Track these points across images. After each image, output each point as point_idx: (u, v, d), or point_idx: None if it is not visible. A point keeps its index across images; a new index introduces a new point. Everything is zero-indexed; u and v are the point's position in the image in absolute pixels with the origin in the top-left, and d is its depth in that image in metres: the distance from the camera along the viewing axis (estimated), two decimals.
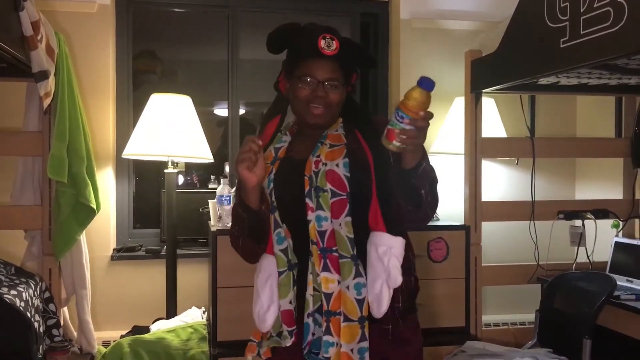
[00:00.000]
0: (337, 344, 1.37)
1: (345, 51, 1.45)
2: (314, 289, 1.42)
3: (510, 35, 2.43)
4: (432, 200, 1.37)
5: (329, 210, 1.39)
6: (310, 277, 1.43)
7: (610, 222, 2.87)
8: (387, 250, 1.39)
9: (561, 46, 2.03)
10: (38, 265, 2.60)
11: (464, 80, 2.80)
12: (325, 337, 1.38)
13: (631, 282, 2.59)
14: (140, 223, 3.24)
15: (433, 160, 1.39)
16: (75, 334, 2.72)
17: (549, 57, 2.13)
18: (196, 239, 3.15)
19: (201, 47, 3.58)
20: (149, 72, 3.53)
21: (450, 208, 2.84)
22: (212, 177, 3.25)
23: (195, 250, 3.07)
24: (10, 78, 2.47)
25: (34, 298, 2.41)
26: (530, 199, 2.91)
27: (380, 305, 1.37)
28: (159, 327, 2.66)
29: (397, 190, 1.35)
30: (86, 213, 2.60)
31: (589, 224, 2.85)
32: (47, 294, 2.54)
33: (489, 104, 3.05)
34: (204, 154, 2.83)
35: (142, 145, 2.72)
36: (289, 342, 1.45)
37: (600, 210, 2.89)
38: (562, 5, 2.03)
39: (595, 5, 1.86)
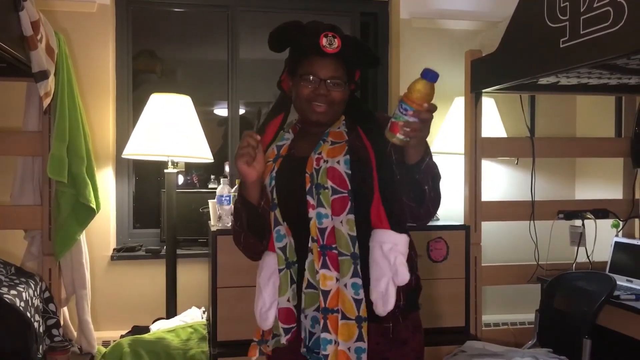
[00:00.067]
0: (334, 342, 1.37)
1: (348, 49, 1.45)
2: (310, 286, 1.42)
3: (510, 35, 2.43)
4: (435, 197, 1.37)
5: (329, 207, 1.39)
6: (306, 274, 1.42)
7: (610, 222, 2.87)
8: (393, 247, 1.38)
9: (561, 46, 2.03)
10: (38, 265, 2.60)
11: (463, 80, 2.80)
12: (323, 335, 1.37)
13: (631, 282, 2.59)
14: (140, 223, 3.24)
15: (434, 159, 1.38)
16: (75, 334, 2.73)
17: (549, 57, 2.13)
18: (196, 239, 3.15)
19: (201, 47, 3.58)
20: (148, 71, 3.53)
21: (450, 208, 2.84)
22: (212, 177, 3.26)
23: (195, 250, 3.07)
24: (10, 78, 2.47)
25: (34, 298, 2.41)
26: (530, 199, 2.91)
27: (387, 303, 1.36)
28: (159, 327, 2.66)
29: (400, 186, 1.35)
30: (86, 213, 2.60)
31: (589, 223, 2.85)
32: (47, 294, 2.54)
33: (489, 104, 3.05)
34: (204, 154, 2.83)
35: (142, 145, 2.72)
36: (283, 340, 1.45)
37: (600, 210, 2.89)
38: (562, 5, 2.03)
39: (595, 5, 1.86)
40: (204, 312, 2.82)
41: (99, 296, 2.92)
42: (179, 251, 2.96)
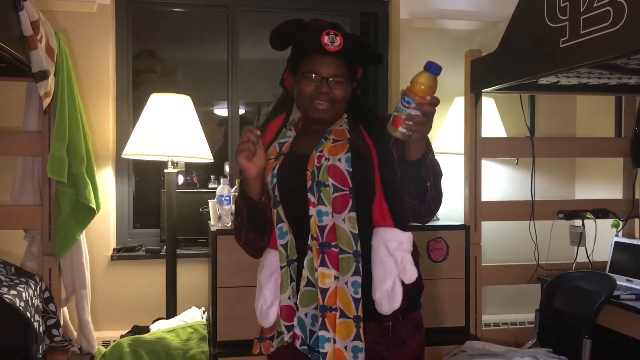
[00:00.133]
0: (333, 340, 1.37)
1: (349, 47, 1.45)
2: (309, 284, 1.41)
3: (510, 35, 2.43)
4: (436, 194, 1.37)
5: (330, 205, 1.39)
6: (303, 272, 1.42)
7: (610, 221, 2.87)
8: (398, 245, 1.39)
9: (561, 46, 2.03)
10: (38, 265, 2.61)
11: (463, 80, 2.80)
12: (321, 332, 1.37)
13: (631, 281, 2.59)
14: (140, 223, 3.24)
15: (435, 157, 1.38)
16: (75, 334, 2.73)
17: (549, 57, 2.12)
18: (196, 239, 3.15)
19: (201, 47, 3.58)
20: (148, 71, 3.53)
21: (450, 208, 2.83)
22: (212, 177, 3.26)
23: (195, 250, 3.07)
24: (10, 78, 2.47)
25: (34, 298, 2.41)
26: (530, 199, 2.91)
27: (393, 301, 1.37)
28: (159, 327, 2.65)
29: (401, 183, 1.35)
30: (86, 213, 2.60)
31: (589, 223, 2.85)
32: (47, 294, 2.54)
33: (488, 104, 3.05)
34: (203, 154, 2.83)
35: (142, 145, 2.72)
36: (286, 337, 1.45)
37: (600, 210, 2.89)
38: (561, 5, 2.03)
39: (595, 5, 1.86)
40: (204, 312, 2.82)
41: (99, 296, 2.92)
42: (179, 251, 2.96)
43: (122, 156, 2.83)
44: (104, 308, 2.95)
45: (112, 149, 3.03)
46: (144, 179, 3.42)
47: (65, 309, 2.72)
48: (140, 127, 2.76)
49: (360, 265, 1.38)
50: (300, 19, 1.51)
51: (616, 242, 2.75)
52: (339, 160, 1.41)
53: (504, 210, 2.90)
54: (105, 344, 2.74)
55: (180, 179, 3.30)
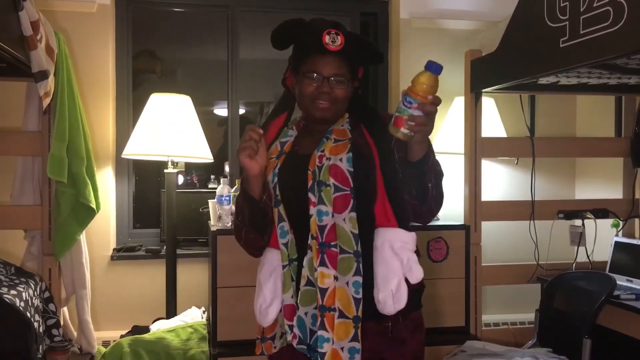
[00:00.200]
0: (332, 340, 1.37)
1: (351, 46, 1.45)
2: (309, 283, 1.41)
3: (510, 34, 2.43)
4: (437, 195, 1.37)
5: (331, 205, 1.39)
6: (303, 271, 1.42)
7: (610, 221, 2.87)
8: (403, 245, 1.39)
9: (561, 46, 2.03)
10: (38, 265, 2.61)
11: (463, 79, 2.80)
12: (320, 332, 1.37)
13: (631, 281, 2.59)
14: (140, 223, 3.24)
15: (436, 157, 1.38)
16: (75, 334, 2.73)
17: (549, 57, 2.12)
18: (196, 238, 3.15)
19: (201, 47, 3.58)
20: (148, 71, 3.53)
21: (450, 208, 2.83)
22: (212, 177, 3.25)
23: (195, 250, 3.07)
24: (10, 78, 2.47)
25: (34, 298, 2.41)
26: (530, 199, 2.91)
27: (399, 302, 1.37)
28: (159, 327, 2.65)
29: (402, 184, 1.35)
30: (86, 213, 2.60)
31: (589, 223, 2.85)
32: (47, 294, 2.54)
33: (488, 104, 3.05)
34: (203, 154, 2.83)
35: (142, 145, 2.72)
36: (289, 337, 1.45)
37: (600, 210, 2.89)
38: (561, 4, 2.03)
39: (594, 5, 1.86)
40: (204, 312, 2.82)
41: (99, 296, 2.92)
42: (179, 251, 2.96)
43: (122, 156, 2.83)
44: (104, 308, 2.95)
45: (112, 149, 3.03)
46: (144, 179, 3.42)
47: (65, 309, 2.72)
48: (140, 127, 2.76)
49: (361, 265, 1.38)
50: (301, 18, 1.51)
51: (616, 242, 2.75)
52: (340, 160, 1.41)
53: (504, 210, 2.90)
54: (105, 344, 2.74)
55: (180, 179, 3.30)
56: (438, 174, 1.36)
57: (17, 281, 2.38)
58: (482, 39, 3.16)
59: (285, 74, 1.55)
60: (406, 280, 1.40)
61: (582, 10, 1.92)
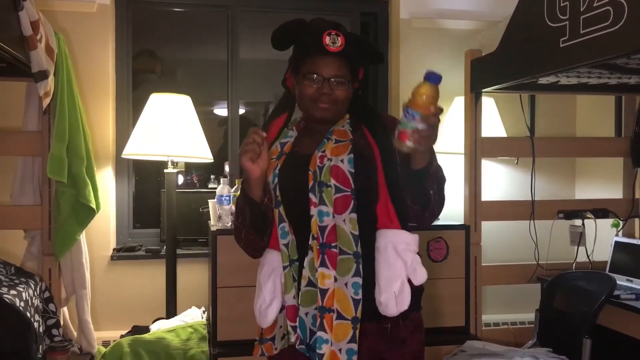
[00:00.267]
0: (330, 341, 1.36)
1: (351, 47, 1.45)
2: (310, 284, 1.41)
3: (510, 34, 2.43)
4: (440, 200, 1.37)
5: (331, 205, 1.39)
6: (304, 272, 1.42)
7: (610, 221, 2.87)
8: (407, 247, 1.39)
9: (561, 45, 2.03)
10: (38, 265, 2.61)
11: (463, 79, 2.80)
12: (319, 334, 1.37)
13: (631, 281, 2.59)
14: (140, 223, 3.24)
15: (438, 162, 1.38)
16: (75, 334, 2.73)
17: (549, 57, 2.12)
18: (196, 238, 3.15)
19: (201, 47, 3.58)
20: (148, 71, 3.53)
21: (450, 208, 2.82)
22: (212, 177, 3.25)
23: (195, 250, 3.07)
24: (10, 78, 2.47)
25: (34, 298, 2.41)
26: (530, 199, 2.91)
27: (402, 303, 1.37)
28: (159, 327, 2.65)
29: (405, 190, 1.35)
30: (86, 213, 2.60)
31: (589, 223, 2.85)
32: (47, 294, 2.54)
33: (488, 104, 3.05)
34: (203, 154, 2.83)
35: (142, 145, 2.72)
36: (293, 338, 1.44)
37: (600, 210, 2.89)
38: (561, 4, 2.03)
39: (595, 5, 1.86)
40: (204, 312, 2.82)
41: (99, 296, 2.92)
42: (179, 251, 2.96)
43: (122, 156, 2.83)
44: (104, 308, 2.95)
45: (112, 149, 3.03)
46: (144, 179, 3.42)
47: (65, 309, 2.72)
48: (140, 127, 2.76)
49: (360, 266, 1.38)
50: (301, 19, 1.50)
51: (616, 242, 2.75)
52: (342, 161, 1.40)
53: (504, 210, 2.90)
54: (105, 344, 2.74)
55: (180, 179, 3.30)
56: (440, 180, 1.36)
57: (17, 281, 2.38)
58: (482, 39, 3.16)
59: (286, 75, 1.55)
60: (409, 281, 1.40)
61: (582, 10, 1.92)
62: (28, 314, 2.26)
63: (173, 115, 2.76)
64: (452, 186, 2.87)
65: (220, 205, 2.53)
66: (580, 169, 3.44)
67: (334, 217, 1.39)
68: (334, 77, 1.44)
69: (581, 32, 1.92)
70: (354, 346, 1.36)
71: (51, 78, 2.34)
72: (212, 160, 2.92)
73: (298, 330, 1.42)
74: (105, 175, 2.97)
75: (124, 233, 3.12)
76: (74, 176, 2.54)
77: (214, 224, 2.60)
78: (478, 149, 2.79)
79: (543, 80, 2.54)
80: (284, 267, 1.45)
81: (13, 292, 2.23)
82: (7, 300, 2.13)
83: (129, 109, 3.13)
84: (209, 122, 3.30)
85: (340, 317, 1.36)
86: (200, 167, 3.37)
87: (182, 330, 2.57)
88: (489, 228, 2.91)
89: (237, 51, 3.27)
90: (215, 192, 2.59)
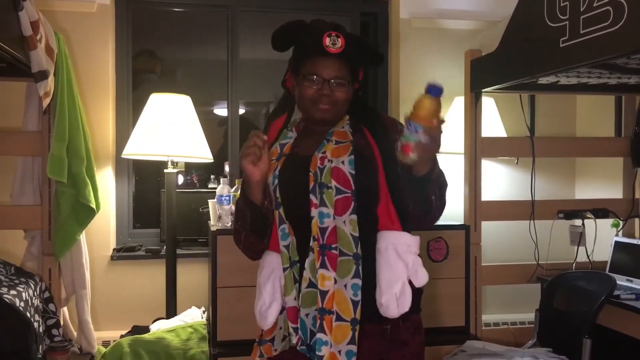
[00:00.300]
0: (330, 343, 1.36)
1: (351, 48, 1.45)
2: (311, 285, 1.41)
3: (510, 34, 2.42)
4: (441, 205, 1.38)
5: (332, 207, 1.39)
6: (305, 273, 1.42)
7: (610, 221, 2.87)
8: (408, 249, 1.40)
9: (561, 45, 2.03)
10: (38, 265, 2.61)
11: (463, 79, 2.80)
12: (319, 335, 1.37)
13: (631, 281, 2.59)
14: (140, 223, 3.24)
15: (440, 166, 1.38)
16: (75, 334, 2.73)
17: (549, 57, 2.12)
18: (196, 238, 3.15)
19: (201, 47, 3.58)
20: (148, 71, 3.53)
21: (450, 208, 2.82)
22: (212, 177, 3.26)
23: (195, 250, 3.07)
24: (9, 78, 2.47)
25: (34, 298, 2.41)
26: (530, 199, 2.91)
27: (403, 305, 1.37)
28: (159, 327, 2.65)
29: (407, 196, 1.36)
30: (86, 213, 2.60)
31: (589, 223, 2.85)
32: (47, 294, 2.54)
33: (488, 104, 3.05)
34: (203, 154, 2.83)
35: (142, 145, 2.72)
36: (294, 340, 1.44)
37: (600, 210, 2.89)
38: (561, 4, 2.03)
39: (595, 5, 1.86)
40: (204, 312, 2.82)
41: (99, 296, 2.92)
42: (179, 251, 2.96)
43: (122, 156, 2.83)
44: (104, 308, 2.95)
45: (112, 149, 3.03)
46: (144, 179, 3.42)
47: (65, 309, 2.72)
48: (140, 127, 2.76)
49: (360, 268, 1.38)
50: (302, 20, 1.50)
51: (616, 242, 2.75)
52: (342, 162, 1.41)
53: (504, 210, 2.90)
54: (105, 344, 2.74)
55: (180, 179, 3.30)
56: (442, 186, 1.37)
57: (17, 281, 2.38)
58: (482, 39, 3.16)
59: (286, 76, 1.55)
60: (410, 283, 1.40)
61: (582, 10, 1.92)
62: (28, 314, 2.26)
63: (173, 115, 2.76)
64: (452, 186, 2.89)
65: (220, 205, 2.53)
66: (580, 169, 3.44)
67: (334, 218, 1.39)
68: (334, 79, 1.44)
69: (581, 32, 1.92)
70: (354, 348, 1.36)
71: (51, 78, 2.34)
72: (212, 160, 2.92)
73: (299, 331, 1.42)
74: (105, 175, 2.97)
75: (124, 233, 3.12)
76: (74, 176, 2.54)
77: (214, 224, 2.60)
78: (478, 148, 2.79)
79: (543, 80, 2.54)
80: (284, 269, 1.45)
81: (13, 292, 2.23)
82: (7, 300, 2.13)
83: (129, 109, 3.13)
84: (209, 122, 3.30)
85: (339, 318, 1.36)
86: (200, 167, 3.37)
87: (182, 330, 2.57)
88: (489, 228, 2.91)
89: (237, 51, 3.27)
90: (215, 192, 2.59)
